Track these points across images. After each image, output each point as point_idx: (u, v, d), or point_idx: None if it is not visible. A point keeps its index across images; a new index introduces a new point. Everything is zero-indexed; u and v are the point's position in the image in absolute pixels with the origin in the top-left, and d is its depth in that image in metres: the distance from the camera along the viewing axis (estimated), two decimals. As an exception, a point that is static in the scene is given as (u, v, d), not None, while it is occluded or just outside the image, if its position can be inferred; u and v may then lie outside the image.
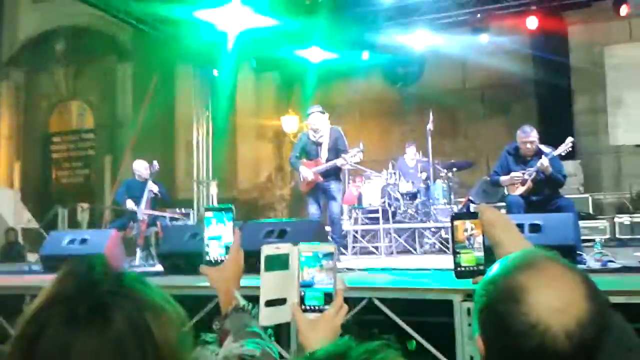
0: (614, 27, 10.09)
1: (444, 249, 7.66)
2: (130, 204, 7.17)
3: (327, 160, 6.19)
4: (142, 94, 12.81)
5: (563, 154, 5.55)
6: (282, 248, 1.28)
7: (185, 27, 9.24)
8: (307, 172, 6.23)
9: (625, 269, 4.16)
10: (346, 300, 1.26)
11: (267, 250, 1.27)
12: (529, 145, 5.46)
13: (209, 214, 1.45)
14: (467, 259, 1.41)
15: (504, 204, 5.65)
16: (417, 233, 8.09)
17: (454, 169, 8.68)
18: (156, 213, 7.26)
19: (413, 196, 8.18)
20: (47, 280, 0.83)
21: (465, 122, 11.44)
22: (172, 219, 7.68)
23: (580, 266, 3.83)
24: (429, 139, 8.00)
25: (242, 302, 1.36)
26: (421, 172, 8.53)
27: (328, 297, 1.24)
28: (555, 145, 5.54)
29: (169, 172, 11.48)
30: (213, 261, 1.42)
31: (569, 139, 5.52)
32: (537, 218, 4.45)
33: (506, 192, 5.67)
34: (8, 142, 14.52)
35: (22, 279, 5.27)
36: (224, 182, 11.08)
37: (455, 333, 3.09)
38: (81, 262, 0.83)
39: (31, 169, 14.55)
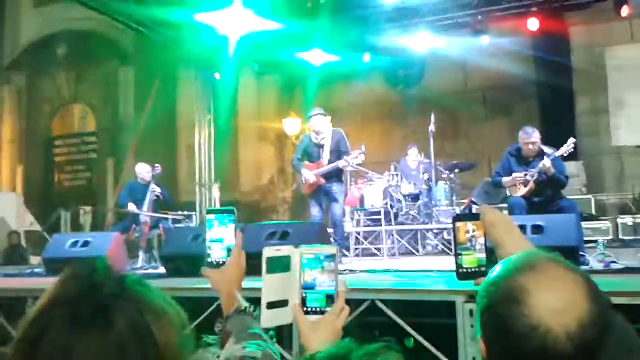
0: (615, 28, 10.08)
1: (447, 250, 7.66)
2: (132, 207, 7.19)
3: (329, 163, 6.17)
4: (144, 97, 12.84)
5: (565, 155, 5.53)
6: (284, 250, 1.28)
7: (186, 31, 9.24)
8: (309, 175, 6.22)
9: (628, 270, 4.14)
10: (348, 302, 1.26)
11: (269, 252, 1.27)
12: (531, 147, 5.45)
13: (211, 216, 1.46)
14: (469, 260, 1.40)
15: (506, 205, 5.63)
16: (419, 235, 8.09)
17: (456, 171, 8.69)
18: (159, 215, 7.28)
19: (415, 198, 8.18)
20: (49, 283, 0.83)
21: (467, 123, 11.45)
22: (174, 220, 7.70)
23: (583, 267, 3.82)
24: (431, 140, 8.00)
25: (244, 304, 1.37)
26: (423, 174, 8.53)
27: (330, 299, 1.24)
28: (557, 147, 5.52)
29: (171, 175, 11.51)
30: (215, 263, 1.43)
31: (571, 140, 5.50)
32: (539, 219, 4.44)
33: (508, 194, 5.64)
34: (11, 146, 14.55)
35: (25, 282, 5.26)
36: (226, 184, 11.07)
37: (457, 334, 3.09)
38: (84, 265, 0.83)
39: (34, 172, 14.59)
